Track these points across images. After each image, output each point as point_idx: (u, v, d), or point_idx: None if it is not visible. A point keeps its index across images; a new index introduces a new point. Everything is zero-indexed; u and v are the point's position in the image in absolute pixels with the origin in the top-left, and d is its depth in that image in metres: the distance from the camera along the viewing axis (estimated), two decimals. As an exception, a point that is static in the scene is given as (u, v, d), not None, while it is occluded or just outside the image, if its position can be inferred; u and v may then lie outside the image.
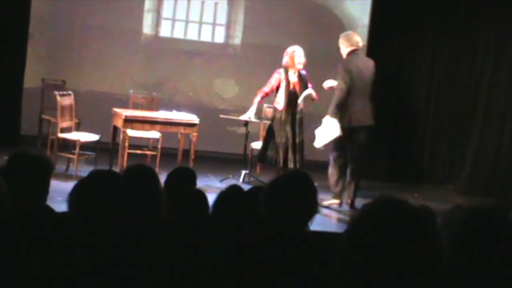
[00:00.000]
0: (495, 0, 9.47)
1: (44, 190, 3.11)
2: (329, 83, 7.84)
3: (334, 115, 7.48)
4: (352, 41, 7.63)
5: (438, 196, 8.70)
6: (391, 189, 8.81)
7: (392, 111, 9.85)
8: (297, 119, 8.04)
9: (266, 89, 8.13)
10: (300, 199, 2.83)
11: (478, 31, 9.61)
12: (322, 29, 10.22)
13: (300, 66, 7.98)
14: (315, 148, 7.87)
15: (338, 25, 10.34)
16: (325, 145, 7.63)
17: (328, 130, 7.52)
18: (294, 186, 2.86)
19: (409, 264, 1.83)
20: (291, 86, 8.02)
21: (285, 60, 8.02)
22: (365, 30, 10.20)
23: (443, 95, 9.84)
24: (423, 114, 9.90)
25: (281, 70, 8.06)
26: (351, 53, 7.62)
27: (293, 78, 8.02)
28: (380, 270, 1.82)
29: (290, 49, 8.05)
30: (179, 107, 8.80)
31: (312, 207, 2.88)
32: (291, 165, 7.97)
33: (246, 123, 8.60)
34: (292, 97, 8.03)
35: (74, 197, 2.86)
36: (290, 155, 7.97)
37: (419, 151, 9.92)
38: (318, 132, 7.61)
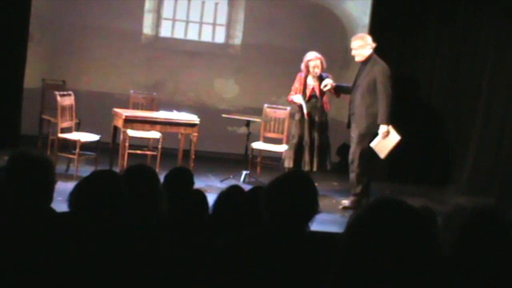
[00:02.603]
0: (495, 0, 9.47)
1: (47, 191, 3.10)
2: (329, 84, 7.86)
3: (389, 122, 7.57)
4: (371, 42, 7.68)
5: (438, 196, 8.69)
6: (391, 190, 8.81)
7: (391, 110, 9.83)
8: (317, 122, 8.02)
9: (293, 93, 8.11)
10: (300, 199, 2.83)
11: (478, 30, 9.61)
12: (322, 29, 10.23)
13: (315, 74, 7.99)
14: None
15: (338, 25, 10.36)
16: (389, 154, 7.69)
17: (388, 138, 7.60)
18: (295, 187, 2.86)
19: (409, 264, 1.83)
20: (310, 90, 8.03)
21: (302, 67, 8.06)
22: (365, 30, 10.19)
23: (443, 95, 9.84)
24: (423, 114, 9.90)
25: (303, 73, 8.10)
26: (373, 55, 7.65)
27: (312, 81, 8.04)
28: (380, 270, 1.82)
29: (306, 57, 8.07)
30: (179, 107, 8.80)
31: (312, 208, 2.89)
32: (306, 167, 7.95)
33: (247, 123, 8.61)
34: (311, 100, 8.04)
35: (74, 197, 2.87)
36: (306, 157, 7.98)
37: (420, 151, 9.91)
38: (377, 144, 7.58)
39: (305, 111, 8.04)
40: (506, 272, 2.13)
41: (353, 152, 7.68)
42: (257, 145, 8.91)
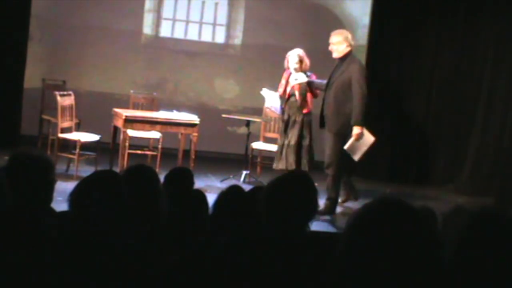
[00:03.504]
0: (495, 0, 9.48)
1: (47, 191, 3.10)
2: (300, 78, 7.71)
3: (363, 123, 7.26)
4: (351, 41, 7.45)
5: (438, 196, 8.70)
6: (392, 190, 8.82)
7: (392, 111, 9.86)
8: (294, 121, 7.85)
9: (280, 90, 8.02)
10: (300, 199, 2.83)
11: (478, 30, 9.62)
12: (322, 29, 10.21)
13: (293, 71, 7.82)
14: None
15: (338, 25, 10.33)
16: (363, 155, 7.42)
17: (362, 140, 7.31)
18: (295, 187, 2.86)
19: (409, 264, 1.83)
20: (289, 89, 7.88)
21: (285, 63, 7.97)
22: (365, 30, 10.21)
23: (443, 95, 9.85)
24: (423, 114, 9.91)
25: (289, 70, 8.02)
26: (350, 53, 7.42)
27: (294, 80, 7.90)
28: (380, 270, 1.82)
29: (288, 53, 7.96)
30: (179, 107, 8.80)
31: (312, 208, 2.89)
32: (287, 167, 7.81)
33: (247, 123, 8.61)
34: (290, 99, 7.89)
35: (74, 197, 2.86)
36: (288, 157, 7.84)
37: (420, 151, 9.92)
38: (350, 145, 7.32)
39: (266, 105, 8.06)
40: (508, 273, 2.13)
41: (329, 155, 7.39)
42: (257, 145, 8.91)
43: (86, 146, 8.16)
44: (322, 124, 7.49)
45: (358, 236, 1.87)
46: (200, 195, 3.83)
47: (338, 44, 7.39)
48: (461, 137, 9.72)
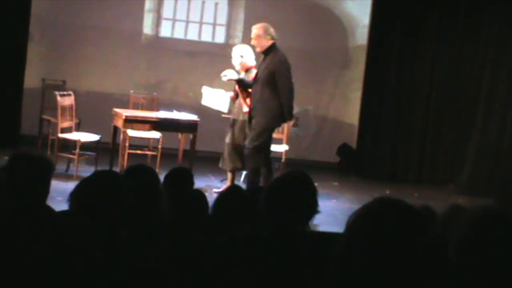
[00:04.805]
0: (496, 0, 9.49)
1: (44, 190, 3.11)
2: (230, 75, 7.58)
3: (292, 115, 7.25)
4: (274, 34, 7.27)
5: (438, 196, 8.69)
6: (392, 189, 8.81)
7: (392, 111, 9.85)
8: (235, 121, 7.80)
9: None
10: (300, 199, 2.83)
11: (478, 30, 9.62)
12: (322, 29, 10.23)
13: (238, 68, 7.74)
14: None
15: (338, 25, 10.35)
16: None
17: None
18: (294, 186, 2.86)
19: (409, 264, 1.83)
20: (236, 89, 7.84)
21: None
22: (365, 30, 10.21)
23: (443, 94, 9.85)
24: (423, 114, 9.90)
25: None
26: (273, 47, 7.26)
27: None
28: (380, 270, 1.82)
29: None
30: (179, 107, 8.79)
31: (312, 207, 2.89)
32: (228, 167, 7.84)
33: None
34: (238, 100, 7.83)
35: (75, 197, 2.87)
36: (229, 157, 7.80)
37: (420, 151, 9.92)
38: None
39: (203, 102, 8.07)
40: (510, 273, 2.12)
41: (248, 146, 7.32)
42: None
43: (86, 146, 8.15)
44: (250, 120, 7.42)
45: (358, 236, 1.87)
46: (200, 195, 3.83)
47: (258, 38, 7.28)
48: (461, 137, 9.72)
